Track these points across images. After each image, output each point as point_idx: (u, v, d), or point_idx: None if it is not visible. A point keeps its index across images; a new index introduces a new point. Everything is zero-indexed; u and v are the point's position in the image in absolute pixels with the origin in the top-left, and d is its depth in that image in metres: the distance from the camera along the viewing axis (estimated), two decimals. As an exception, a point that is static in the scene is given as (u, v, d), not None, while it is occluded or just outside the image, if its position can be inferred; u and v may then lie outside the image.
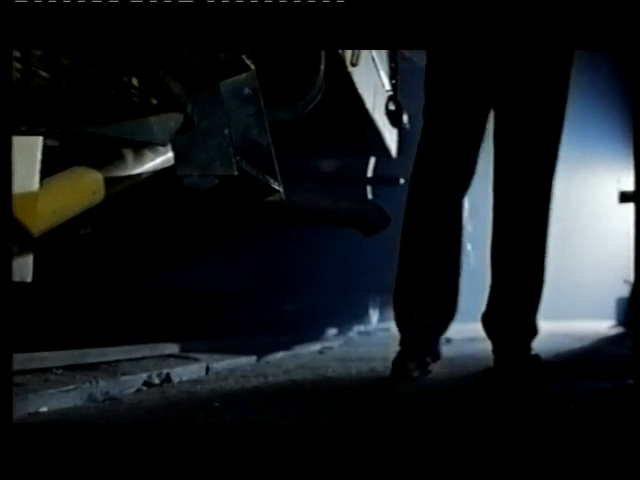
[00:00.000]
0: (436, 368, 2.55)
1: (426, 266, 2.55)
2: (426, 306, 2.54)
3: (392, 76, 4.20)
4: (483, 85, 2.49)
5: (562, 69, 2.52)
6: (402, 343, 2.55)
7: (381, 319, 7.17)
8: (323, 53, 2.75)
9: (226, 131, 1.85)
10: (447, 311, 2.58)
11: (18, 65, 1.64)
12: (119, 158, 1.89)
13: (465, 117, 2.49)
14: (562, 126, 2.55)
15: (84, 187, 1.79)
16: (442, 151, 2.49)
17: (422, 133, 2.55)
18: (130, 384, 2.12)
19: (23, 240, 1.53)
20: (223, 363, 2.80)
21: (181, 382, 2.33)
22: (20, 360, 2.08)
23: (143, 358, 2.74)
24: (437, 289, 2.55)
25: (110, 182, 1.83)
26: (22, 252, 1.53)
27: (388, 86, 4.25)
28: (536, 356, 2.53)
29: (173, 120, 1.87)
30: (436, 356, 2.59)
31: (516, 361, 2.50)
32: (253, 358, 3.12)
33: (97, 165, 1.83)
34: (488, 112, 2.54)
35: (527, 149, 2.51)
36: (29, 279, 1.54)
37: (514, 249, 2.55)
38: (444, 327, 2.60)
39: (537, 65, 2.47)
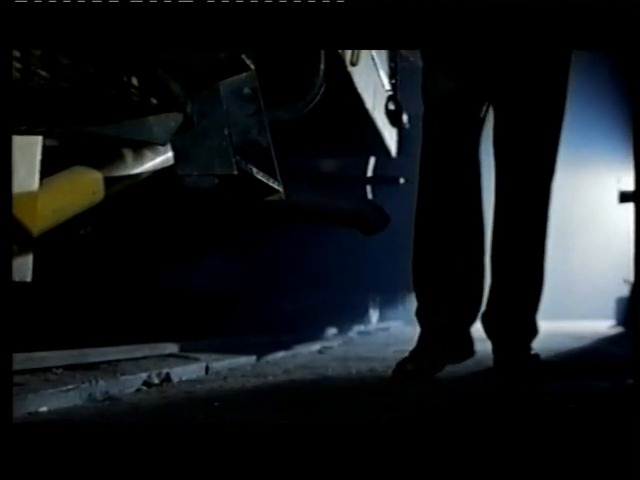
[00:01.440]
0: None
1: (442, 263, 2.54)
2: (442, 304, 2.53)
3: (392, 76, 4.20)
4: (480, 85, 2.49)
5: (560, 68, 2.52)
6: (418, 341, 2.54)
7: (381, 319, 7.18)
8: (323, 53, 2.75)
9: (226, 131, 1.85)
10: (468, 305, 2.56)
11: (18, 65, 1.63)
12: (119, 158, 1.89)
13: (463, 115, 2.49)
14: (561, 126, 2.55)
15: (84, 187, 1.79)
16: (444, 149, 2.50)
17: (423, 135, 2.55)
18: (130, 384, 2.12)
19: (23, 240, 1.53)
20: (223, 363, 2.80)
21: (181, 382, 2.33)
22: (20, 360, 2.08)
23: (143, 358, 2.74)
24: (455, 285, 2.53)
25: (110, 182, 1.83)
26: (22, 252, 1.53)
27: (388, 86, 4.25)
28: (536, 356, 2.53)
29: (173, 120, 1.87)
30: (465, 352, 2.58)
31: (516, 361, 2.50)
32: (253, 358, 3.12)
33: (97, 165, 1.83)
34: (485, 110, 2.54)
35: (526, 149, 2.51)
36: (29, 279, 1.53)
37: (514, 249, 2.55)
38: (467, 321, 2.57)
39: (535, 65, 2.47)
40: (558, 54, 2.49)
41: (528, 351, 2.53)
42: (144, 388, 2.16)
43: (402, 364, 2.43)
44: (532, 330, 2.57)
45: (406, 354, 2.50)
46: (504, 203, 2.56)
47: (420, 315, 2.58)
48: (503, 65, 2.47)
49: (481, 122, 2.55)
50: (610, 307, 8.10)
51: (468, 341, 2.59)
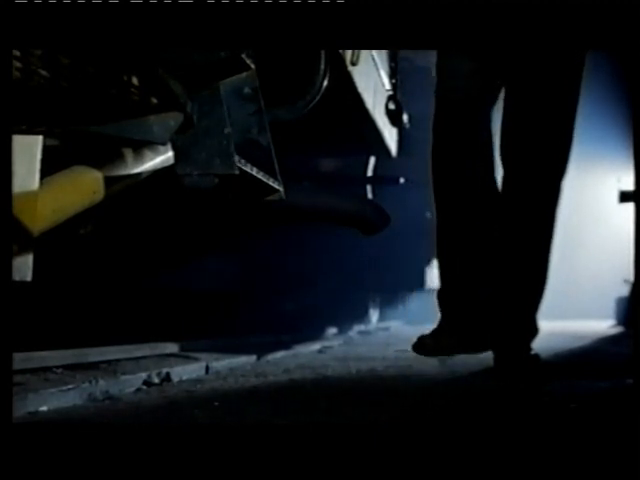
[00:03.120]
0: (435, 367, 2.55)
1: (466, 250, 2.55)
2: (466, 291, 2.55)
3: (392, 75, 4.20)
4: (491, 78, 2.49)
5: (572, 65, 2.50)
6: (440, 321, 2.56)
7: (381, 319, 7.18)
8: (323, 53, 2.75)
9: (226, 130, 1.85)
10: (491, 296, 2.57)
11: (18, 64, 1.63)
12: (119, 157, 1.89)
13: (474, 109, 2.49)
14: (572, 126, 2.53)
15: (84, 186, 1.79)
16: (454, 142, 2.50)
17: (434, 119, 2.56)
18: (130, 383, 2.12)
19: (23, 240, 1.53)
20: (223, 362, 2.80)
21: (181, 381, 2.33)
22: (20, 359, 2.08)
23: (143, 357, 2.74)
24: (479, 274, 2.55)
25: (110, 181, 1.83)
26: (22, 252, 1.53)
27: (388, 85, 4.25)
28: (536, 356, 2.52)
29: (173, 119, 1.87)
30: (480, 344, 2.57)
31: (516, 361, 2.50)
32: (253, 357, 3.13)
33: (97, 164, 1.83)
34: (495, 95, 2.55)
35: (535, 146, 2.49)
36: (29, 279, 1.53)
37: (518, 248, 2.54)
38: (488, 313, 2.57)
39: (545, 61, 2.45)
40: (570, 52, 2.47)
41: (528, 351, 2.53)
42: (144, 388, 2.16)
43: (423, 339, 2.46)
44: (532, 330, 2.57)
45: (406, 354, 2.50)
46: (511, 202, 2.54)
47: (443, 298, 2.59)
48: (510, 62, 2.46)
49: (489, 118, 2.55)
50: (610, 307, 8.10)
51: (485, 334, 2.59)
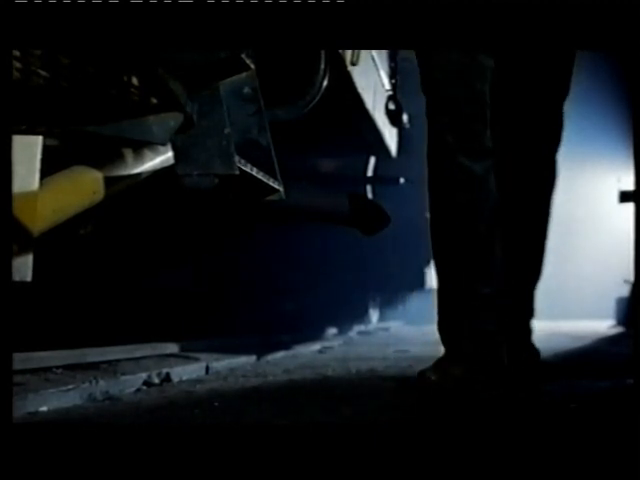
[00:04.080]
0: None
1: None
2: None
3: (392, 76, 4.21)
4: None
5: (564, 65, 2.50)
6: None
7: (381, 319, 7.18)
8: (323, 53, 2.75)
9: (226, 130, 1.85)
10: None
11: (18, 64, 1.63)
12: (119, 157, 1.89)
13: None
14: (562, 125, 2.54)
15: (84, 186, 1.79)
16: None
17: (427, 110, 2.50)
18: (130, 384, 2.12)
19: (23, 240, 1.53)
20: (223, 363, 2.80)
21: (181, 382, 2.33)
22: (20, 359, 2.08)
23: (143, 357, 2.74)
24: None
25: (110, 181, 1.83)
26: (22, 252, 1.53)
27: (388, 86, 4.26)
28: (536, 356, 2.51)
29: (173, 119, 1.87)
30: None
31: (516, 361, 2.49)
32: (253, 358, 3.13)
33: (97, 164, 1.83)
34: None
35: (530, 142, 2.49)
36: (29, 279, 1.54)
37: (515, 244, 2.53)
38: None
39: (538, 63, 2.45)
40: (560, 53, 2.47)
41: (527, 351, 2.52)
42: (144, 388, 2.16)
43: (424, 373, 2.19)
44: (530, 312, 2.53)
45: (406, 354, 2.49)
46: (507, 195, 2.53)
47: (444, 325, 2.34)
48: (507, 63, 2.46)
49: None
50: (610, 307, 8.11)
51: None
